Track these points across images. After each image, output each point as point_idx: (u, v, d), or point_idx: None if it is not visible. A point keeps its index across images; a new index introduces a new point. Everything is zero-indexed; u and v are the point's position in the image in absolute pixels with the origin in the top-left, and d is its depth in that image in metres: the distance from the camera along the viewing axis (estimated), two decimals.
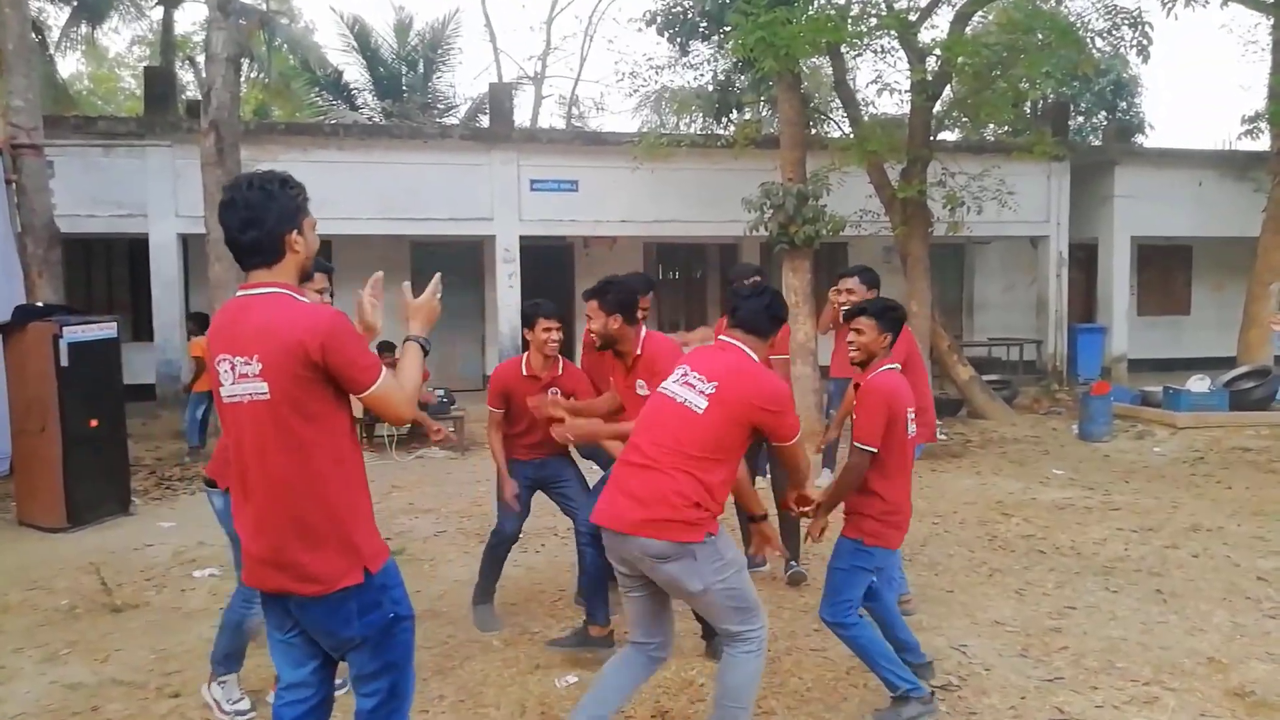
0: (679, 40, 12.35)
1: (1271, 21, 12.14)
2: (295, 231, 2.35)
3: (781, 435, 3.06)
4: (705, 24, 11.75)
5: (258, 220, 2.30)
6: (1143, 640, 4.25)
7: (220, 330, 2.36)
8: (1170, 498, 7.08)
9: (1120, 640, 4.26)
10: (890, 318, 3.63)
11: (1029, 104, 15.66)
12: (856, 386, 3.71)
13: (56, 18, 19.46)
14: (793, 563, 5.13)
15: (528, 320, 4.41)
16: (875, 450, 3.42)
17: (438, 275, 2.68)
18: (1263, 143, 12.77)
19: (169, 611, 4.85)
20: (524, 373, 4.40)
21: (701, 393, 2.98)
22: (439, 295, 2.63)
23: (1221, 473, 7.97)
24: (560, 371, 4.45)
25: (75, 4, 18.05)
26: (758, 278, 5.30)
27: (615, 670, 3.13)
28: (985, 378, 11.62)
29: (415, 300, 2.59)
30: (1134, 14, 10.32)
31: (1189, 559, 5.49)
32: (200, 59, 12.06)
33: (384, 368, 2.35)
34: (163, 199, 11.36)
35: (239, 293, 2.37)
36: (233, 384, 2.30)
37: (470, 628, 4.49)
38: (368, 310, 2.61)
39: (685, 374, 3.07)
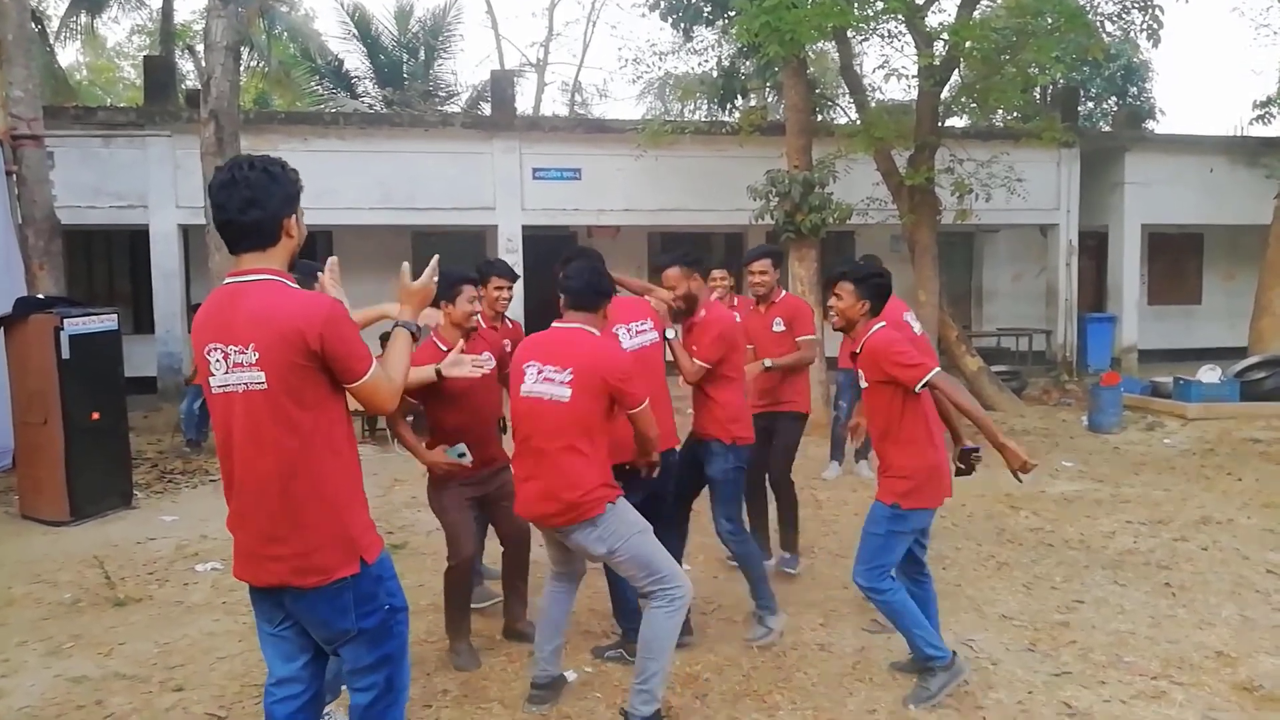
0: (683, 25, 12.24)
1: None
2: (293, 216, 2.33)
3: (628, 403, 3.30)
4: (709, 8, 11.64)
5: (260, 201, 2.26)
6: (1151, 634, 4.20)
7: (209, 318, 2.30)
8: (1180, 490, 7.01)
9: (1128, 634, 4.21)
10: (871, 283, 3.58)
11: (1038, 90, 15.49)
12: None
13: (56, 7, 19.42)
14: (786, 555, 5.12)
15: (482, 279, 4.30)
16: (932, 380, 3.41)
17: (435, 258, 2.67)
18: (1275, 128, 12.64)
19: (172, 605, 4.84)
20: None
21: (562, 383, 3.26)
22: (436, 279, 2.62)
23: (1232, 464, 7.89)
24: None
25: None
26: (768, 259, 5.19)
27: (553, 604, 3.64)
28: (994, 368, 11.54)
29: (412, 284, 2.56)
30: None
31: (1198, 552, 5.43)
32: (200, 48, 11.96)
33: (374, 359, 2.31)
34: (163, 189, 11.32)
35: (228, 280, 2.31)
36: (225, 373, 2.25)
37: (473, 620, 4.45)
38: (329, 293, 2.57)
39: (540, 371, 3.31)
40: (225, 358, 2.24)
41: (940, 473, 3.57)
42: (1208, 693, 3.62)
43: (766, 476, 5.10)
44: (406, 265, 2.65)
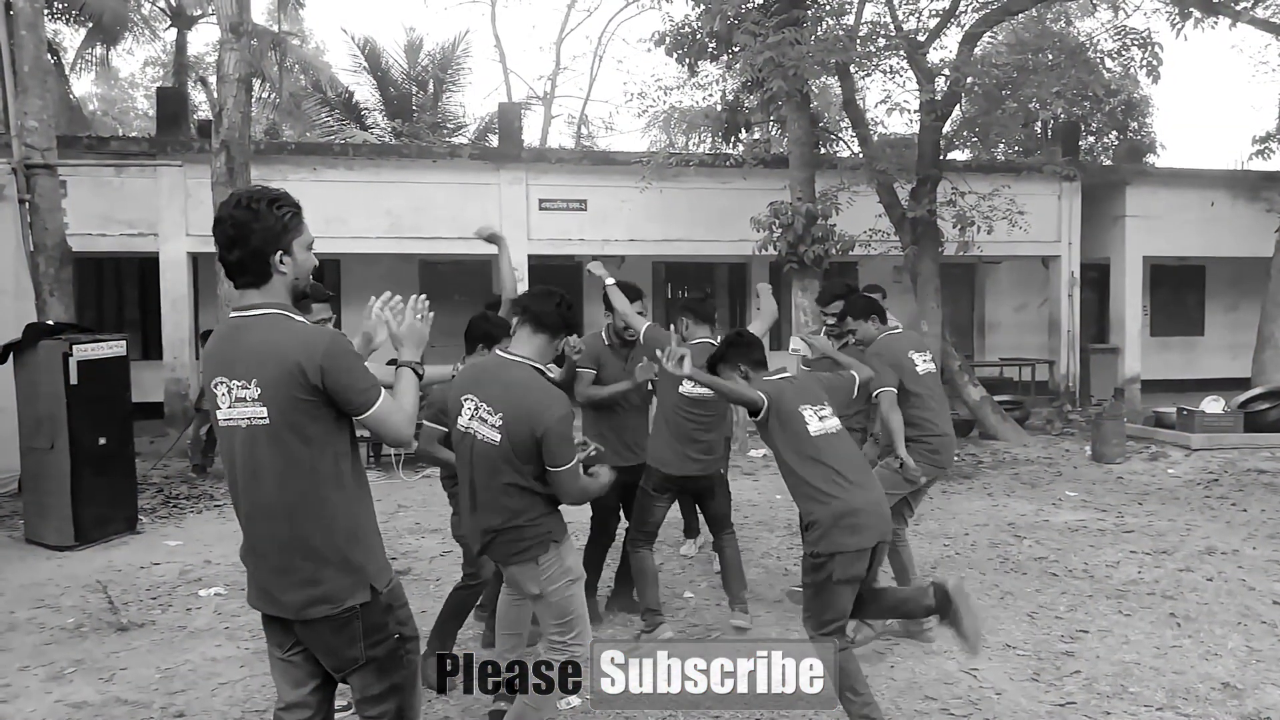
0: (687, 61, 12.40)
1: None
2: (281, 253, 2.31)
3: (551, 460, 2.97)
4: (714, 44, 11.79)
5: (241, 240, 2.29)
6: (1156, 665, 4.19)
7: (215, 353, 2.35)
8: (1184, 520, 6.99)
9: (1133, 664, 4.19)
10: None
11: (1039, 124, 15.65)
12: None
13: (72, 39, 19.75)
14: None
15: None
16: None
17: (414, 297, 2.60)
18: (1275, 163, 12.73)
19: (175, 630, 4.83)
20: None
21: (492, 425, 3.02)
22: (421, 315, 2.57)
23: (1236, 495, 7.87)
24: None
25: (90, 25, 18.27)
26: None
27: (509, 609, 3.51)
28: (997, 398, 11.54)
29: (399, 330, 2.54)
30: (1143, 34, 10.32)
31: (1203, 582, 5.41)
32: (212, 80, 12.17)
33: (383, 389, 2.33)
34: (173, 218, 11.44)
35: (232, 314, 2.36)
36: (229, 407, 2.29)
37: (473, 649, 4.45)
38: (374, 324, 2.59)
39: (476, 407, 3.07)
40: (229, 392, 2.28)
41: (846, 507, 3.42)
42: None
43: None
44: (388, 314, 2.56)
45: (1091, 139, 20.00)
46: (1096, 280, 15.03)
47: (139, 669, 4.31)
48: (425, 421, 4.12)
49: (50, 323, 7.28)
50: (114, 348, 6.93)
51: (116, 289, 13.51)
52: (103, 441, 6.72)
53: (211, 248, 8.66)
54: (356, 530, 2.34)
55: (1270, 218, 12.72)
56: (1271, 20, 12.09)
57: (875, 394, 4.36)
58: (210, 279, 10.57)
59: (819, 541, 3.39)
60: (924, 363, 4.64)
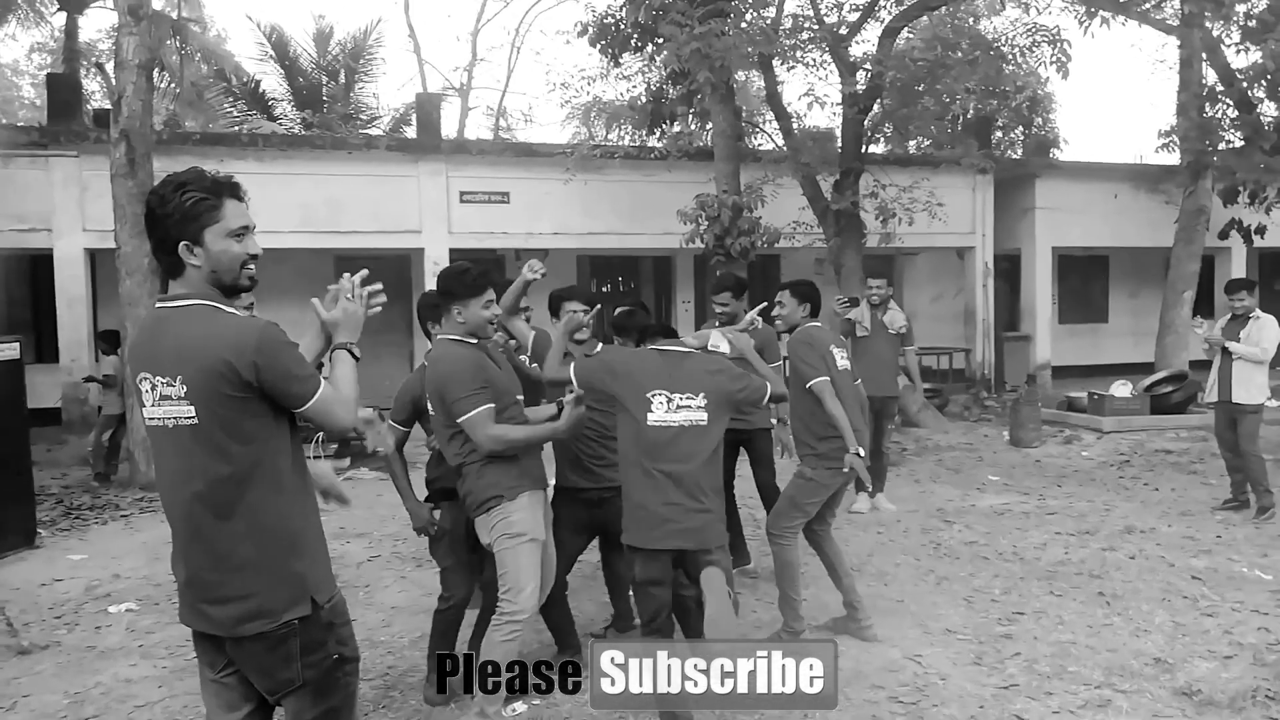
0: (611, 52, 12.30)
1: (1179, 42, 12.67)
2: (188, 243, 2.11)
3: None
4: (637, 35, 11.73)
5: (151, 230, 2.12)
6: (1091, 643, 4.28)
7: (139, 346, 2.16)
8: (1102, 500, 7.24)
9: (1070, 644, 4.27)
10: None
11: (951, 120, 16.07)
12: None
13: None
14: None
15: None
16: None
17: (346, 275, 2.38)
18: (1174, 157, 13.33)
19: (83, 651, 4.51)
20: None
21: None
22: (354, 295, 2.34)
23: (1148, 475, 8.21)
24: None
25: None
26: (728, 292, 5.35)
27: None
28: (906, 384, 11.76)
29: (332, 314, 2.33)
30: (1053, 31, 10.66)
31: (1126, 560, 5.59)
32: (109, 67, 11.51)
33: (322, 378, 2.17)
34: (69, 211, 10.79)
35: (156, 304, 2.18)
36: (154, 405, 2.10)
37: (411, 657, 4.28)
38: (326, 307, 2.35)
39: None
40: (153, 389, 2.09)
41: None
42: (1150, 700, 3.69)
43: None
44: (316, 301, 2.38)
45: (999, 134, 20.65)
46: (1008, 270, 15.52)
47: (44, 695, 4.00)
48: (392, 421, 3.99)
49: None
50: (6, 351, 6.47)
51: (5, 288, 12.67)
52: None
53: (111, 243, 8.17)
54: (295, 537, 2.16)
55: (1169, 209, 13.33)
56: (1168, 21, 12.66)
57: (810, 385, 4.28)
58: (110, 276, 9.98)
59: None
60: (841, 359, 4.57)
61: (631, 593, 3.61)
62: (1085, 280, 16.84)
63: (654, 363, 3.42)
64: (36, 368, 10.34)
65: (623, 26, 11.33)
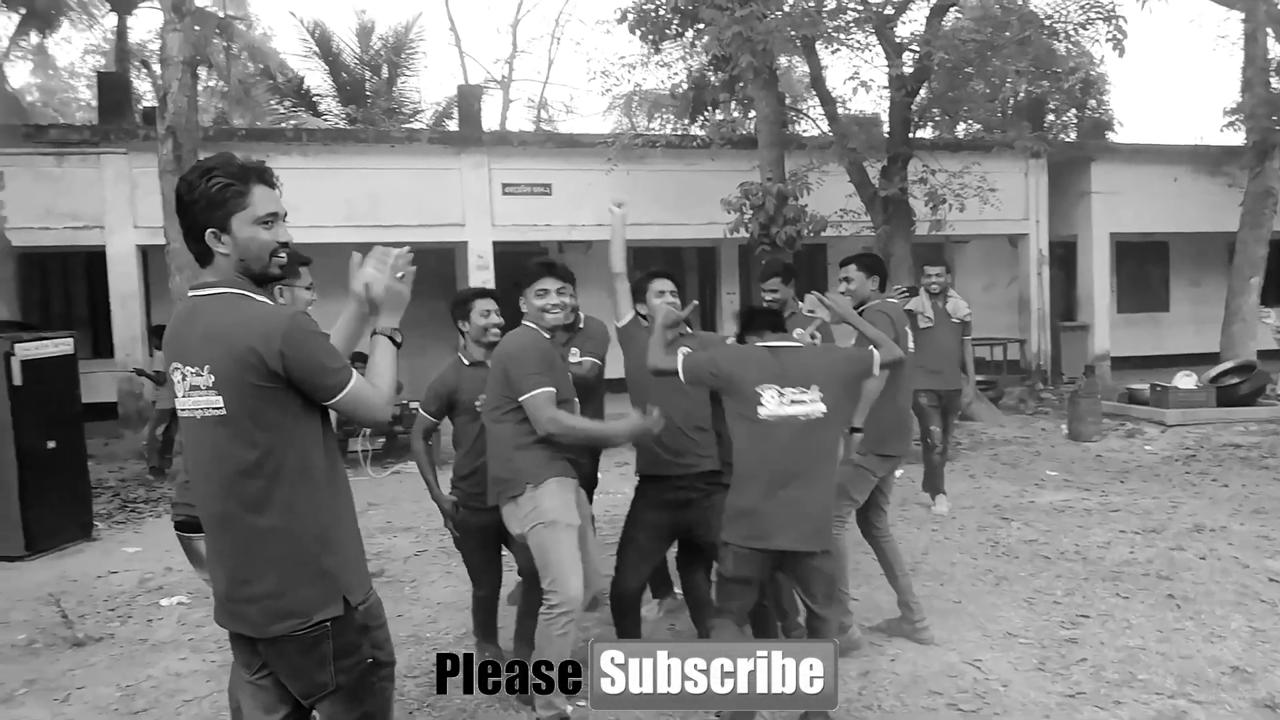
0: (651, 38, 12.15)
1: (1243, 16, 12.16)
2: (214, 230, 2.04)
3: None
4: (678, 21, 11.56)
5: (180, 217, 2.06)
6: (1162, 649, 4.08)
7: (171, 336, 2.11)
8: (1168, 497, 6.95)
9: (1139, 650, 4.08)
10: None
11: (1001, 102, 15.66)
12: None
13: (6, 27, 18.94)
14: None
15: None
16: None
17: (393, 253, 2.23)
18: (1238, 137, 12.81)
19: (135, 644, 4.56)
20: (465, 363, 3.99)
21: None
22: (401, 274, 2.22)
23: (1215, 470, 7.87)
24: None
25: (24, 11, 17.49)
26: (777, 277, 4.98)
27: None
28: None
29: (376, 291, 2.20)
30: (1108, 7, 10.26)
31: (1197, 561, 5.34)
32: (156, 66, 11.67)
33: (354, 369, 2.08)
34: (120, 209, 10.96)
35: (189, 292, 2.11)
36: (185, 396, 2.04)
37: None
38: (361, 280, 2.23)
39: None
40: (184, 379, 2.04)
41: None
42: (1229, 711, 3.50)
43: None
44: (356, 255, 2.26)
45: (1052, 117, 20.09)
46: (1063, 258, 15.09)
47: (97, 687, 4.04)
48: (422, 411, 4.04)
49: None
50: (60, 346, 6.59)
51: (63, 286, 12.95)
52: (52, 445, 6.41)
53: (161, 240, 8.22)
54: (327, 532, 2.08)
55: (1233, 192, 12.82)
56: None
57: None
58: (161, 272, 10.13)
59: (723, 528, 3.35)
60: (910, 345, 4.42)
61: (714, 581, 3.53)
62: (1144, 267, 16.31)
63: (763, 357, 3.35)
64: (94, 363, 10.57)
65: (662, 12, 11.17)
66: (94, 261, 11.68)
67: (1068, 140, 15.60)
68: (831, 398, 3.28)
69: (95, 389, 9.92)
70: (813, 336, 3.96)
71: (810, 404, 3.24)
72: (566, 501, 3.36)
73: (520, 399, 3.29)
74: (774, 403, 3.22)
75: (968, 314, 6.89)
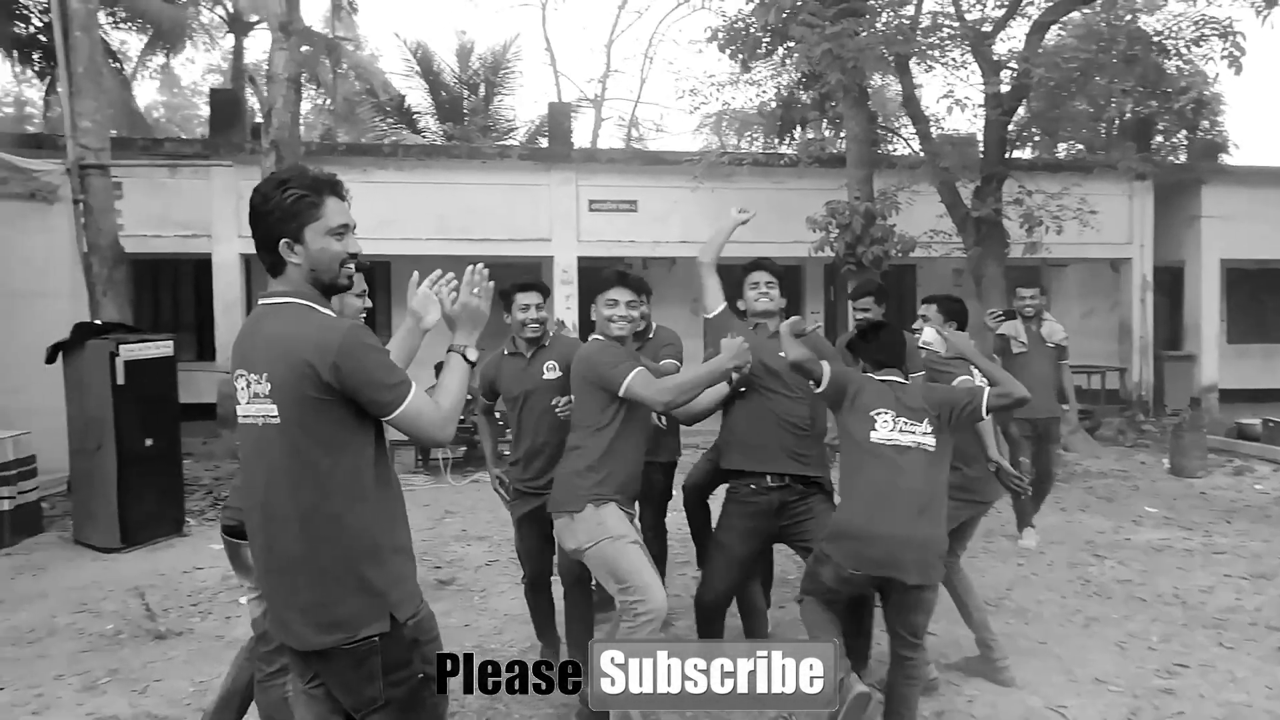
0: (740, 57, 12.12)
1: None
2: (288, 240, 2.07)
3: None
4: (768, 39, 11.50)
5: (254, 227, 2.09)
6: (1270, 708, 3.78)
7: (238, 343, 2.15)
8: None
9: (1244, 707, 3.79)
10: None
11: (1106, 122, 15.05)
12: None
13: (135, 47, 20.14)
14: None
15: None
16: None
17: (470, 269, 2.27)
18: None
19: (212, 640, 4.69)
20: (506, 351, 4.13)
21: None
22: (478, 290, 2.25)
23: None
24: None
25: (151, 33, 18.59)
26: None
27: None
28: (1065, 407, 11.02)
29: (449, 309, 2.25)
30: (1224, 23, 9.75)
31: None
32: (264, 82, 12.24)
33: (414, 384, 2.07)
34: (226, 219, 11.47)
35: (259, 302, 2.15)
36: (247, 403, 2.07)
37: None
38: (422, 301, 2.28)
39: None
40: (247, 386, 2.07)
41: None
42: None
43: None
44: (415, 275, 2.29)
45: (1160, 138, 19.23)
46: (1169, 284, 14.35)
47: (174, 680, 4.16)
48: (480, 395, 4.26)
49: (97, 322, 7.25)
50: (161, 348, 6.87)
51: (173, 291, 13.62)
52: (149, 442, 6.67)
53: None
54: (377, 549, 2.07)
55: None
56: None
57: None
58: (262, 281, 10.53)
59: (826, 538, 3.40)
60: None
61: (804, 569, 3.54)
62: (1258, 296, 15.36)
63: (880, 387, 3.42)
64: (197, 366, 11.07)
65: (753, 30, 11.12)
66: (201, 269, 12.24)
67: (1176, 162, 14.89)
68: (942, 432, 3.32)
69: (198, 390, 10.37)
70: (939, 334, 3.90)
71: (921, 436, 3.29)
72: (626, 524, 3.38)
73: (621, 392, 3.27)
74: (887, 428, 3.28)
75: (1064, 338, 6.54)
